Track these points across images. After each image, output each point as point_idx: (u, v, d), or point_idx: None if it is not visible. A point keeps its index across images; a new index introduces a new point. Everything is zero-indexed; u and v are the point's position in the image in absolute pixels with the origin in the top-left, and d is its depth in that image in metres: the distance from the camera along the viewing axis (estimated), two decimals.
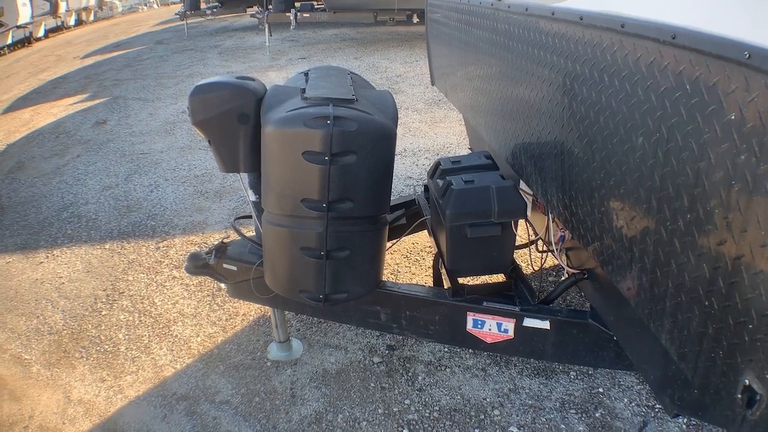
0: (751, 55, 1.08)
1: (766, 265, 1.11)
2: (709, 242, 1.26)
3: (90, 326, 3.21)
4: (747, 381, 1.22)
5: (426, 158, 5.42)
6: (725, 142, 1.18)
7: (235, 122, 2.17)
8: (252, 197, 2.42)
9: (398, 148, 5.59)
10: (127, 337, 3.09)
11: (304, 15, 11.25)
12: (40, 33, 21.27)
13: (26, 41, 19.85)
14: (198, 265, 2.56)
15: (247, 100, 2.15)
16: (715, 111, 1.20)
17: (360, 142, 1.96)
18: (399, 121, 6.69)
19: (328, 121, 1.89)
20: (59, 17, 23.41)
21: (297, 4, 11.68)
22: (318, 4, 11.76)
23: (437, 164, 2.54)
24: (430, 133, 6.09)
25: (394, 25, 11.30)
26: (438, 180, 2.40)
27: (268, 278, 2.32)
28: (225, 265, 2.55)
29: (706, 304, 1.30)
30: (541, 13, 1.98)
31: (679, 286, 1.40)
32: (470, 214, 2.16)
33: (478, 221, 2.18)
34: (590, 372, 2.70)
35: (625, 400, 2.53)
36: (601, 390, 2.59)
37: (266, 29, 11.64)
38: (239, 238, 2.60)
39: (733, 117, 1.15)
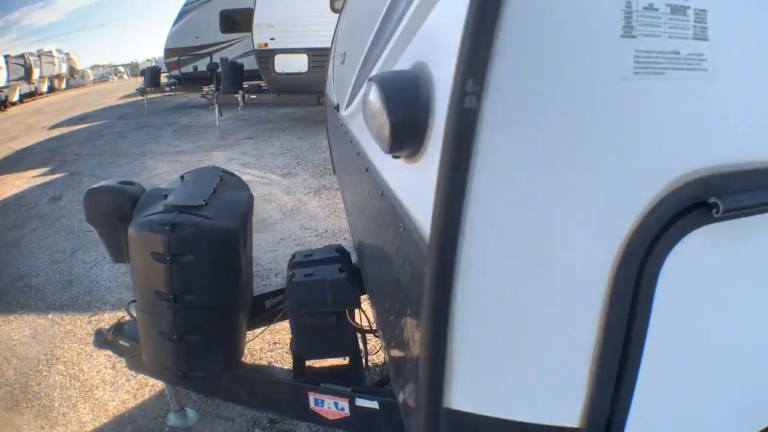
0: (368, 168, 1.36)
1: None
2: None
3: (33, 383, 3.71)
4: None
5: (345, 239, 5.70)
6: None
7: (117, 221, 2.45)
8: None
9: (320, 229, 6.11)
10: (60, 395, 3.58)
11: (252, 96, 11.64)
12: (15, 97, 21.58)
13: (2, 105, 20.20)
14: (101, 340, 2.87)
15: (125, 202, 2.45)
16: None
17: (196, 245, 2.18)
18: (327, 203, 7.18)
19: (167, 227, 2.15)
20: (33, 83, 23.90)
21: (245, 85, 12.02)
22: (265, 86, 12.05)
23: (293, 257, 2.77)
24: None
25: None
26: (289, 272, 2.60)
27: (143, 355, 2.51)
28: (120, 341, 2.78)
29: None
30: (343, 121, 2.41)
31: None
32: (308, 304, 2.35)
33: (315, 310, 2.36)
34: None
35: None
36: None
37: (216, 109, 11.98)
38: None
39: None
